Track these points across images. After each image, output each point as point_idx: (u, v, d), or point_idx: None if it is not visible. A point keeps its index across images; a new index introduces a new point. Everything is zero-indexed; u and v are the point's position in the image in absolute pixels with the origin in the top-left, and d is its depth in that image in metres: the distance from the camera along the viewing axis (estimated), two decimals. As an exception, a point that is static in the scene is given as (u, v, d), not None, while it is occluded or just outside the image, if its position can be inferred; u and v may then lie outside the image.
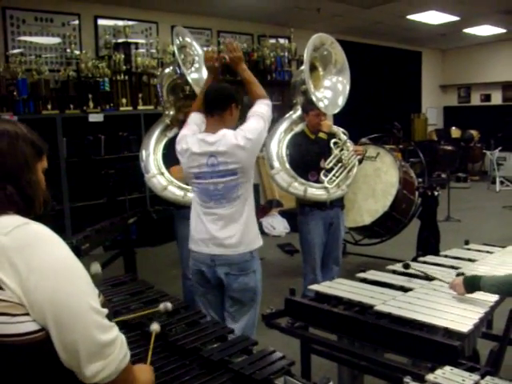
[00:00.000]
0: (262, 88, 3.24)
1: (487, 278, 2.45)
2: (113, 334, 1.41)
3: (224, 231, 2.98)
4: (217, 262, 3.00)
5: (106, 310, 1.42)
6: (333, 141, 4.40)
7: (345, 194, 4.46)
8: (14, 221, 1.36)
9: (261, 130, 3.00)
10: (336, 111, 4.50)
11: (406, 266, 2.94)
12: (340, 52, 4.52)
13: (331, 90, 4.51)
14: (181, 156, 3.10)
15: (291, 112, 4.62)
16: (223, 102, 3.01)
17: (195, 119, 3.18)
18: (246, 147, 2.90)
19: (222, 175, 2.94)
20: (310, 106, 4.39)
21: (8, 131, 1.45)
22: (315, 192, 4.26)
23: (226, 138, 2.93)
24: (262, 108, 3.09)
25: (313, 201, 4.35)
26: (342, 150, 4.41)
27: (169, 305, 2.22)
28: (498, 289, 2.41)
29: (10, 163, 1.41)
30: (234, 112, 3.05)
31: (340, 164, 4.35)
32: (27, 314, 1.31)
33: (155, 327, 1.97)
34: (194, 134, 3.05)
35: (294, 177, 4.28)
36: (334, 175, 4.31)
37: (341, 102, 4.49)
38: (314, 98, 4.26)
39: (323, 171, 4.33)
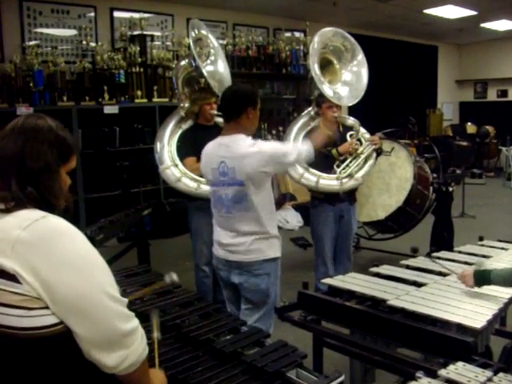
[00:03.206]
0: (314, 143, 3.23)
1: (497, 271, 2.47)
2: (134, 323, 1.43)
3: (235, 239, 2.97)
4: (232, 264, 3.01)
5: (126, 300, 1.44)
6: (349, 133, 4.36)
7: (359, 184, 4.37)
8: (32, 215, 1.37)
9: (281, 150, 2.95)
10: (356, 101, 4.41)
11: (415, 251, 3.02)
12: (343, 39, 4.44)
13: (350, 80, 4.43)
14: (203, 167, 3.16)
15: (310, 108, 4.56)
16: (237, 107, 2.92)
17: None
18: (254, 155, 2.84)
19: (231, 184, 2.90)
20: (321, 98, 4.34)
21: (35, 132, 1.45)
22: (328, 182, 4.22)
23: (239, 142, 2.89)
24: (297, 144, 3.14)
25: (326, 192, 4.32)
26: (358, 139, 4.36)
27: (174, 276, 2.19)
28: (509, 281, 2.42)
29: (31, 166, 1.42)
30: (252, 115, 2.94)
31: (355, 154, 4.29)
32: (45, 308, 1.32)
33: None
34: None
35: (305, 168, 4.26)
36: (346, 165, 4.26)
37: (360, 91, 4.41)
38: (322, 90, 4.21)
39: (337, 162, 4.28)
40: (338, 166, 4.26)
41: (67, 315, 1.33)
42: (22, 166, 1.41)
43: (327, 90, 4.28)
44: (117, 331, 1.37)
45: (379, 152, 4.45)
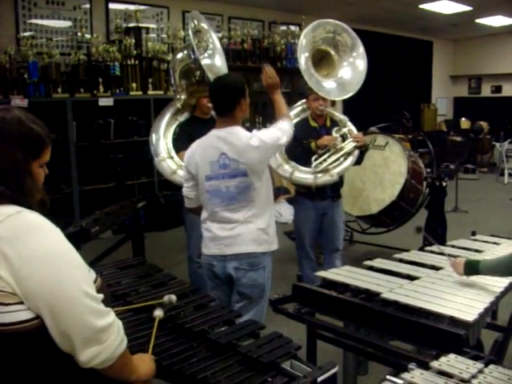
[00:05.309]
0: (287, 109, 3.30)
1: (486, 262, 2.54)
2: (109, 319, 1.42)
3: (234, 231, 2.96)
4: (227, 257, 2.98)
5: (101, 296, 1.42)
6: (335, 129, 4.30)
7: (333, 180, 4.21)
8: (7, 210, 1.37)
9: (277, 137, 2.98)
10: (347, 95, 4.33)
11: (419, 230, 3.03)
12: (327, 26, 4.34)
13: (347, 74, 4.36)
14: (190, 169, 3.07)
15: (304, 100, 4.53)
16: (230, 102, 2.93)
17: None
18: (258, 148, 2.88)
19: (233, 175, 2.90)
20: (308, 90, 4.30)
21: (1, 131, 1.42)
22: (301, 175, 4.20)
23: (239, 135, 2.92)
24: (283, 124, 3.08)
25: (299, 184, 4.33)
26: (342, 135, 4.28)
27: (173, 297, 2.22)
28: (496, 270, 2.49)
29: None
30: (244, 105, 2.97)
31: (333, 149, 4.20)
32: (21, 303, 1.32)
33: (158, 313, 1.99)
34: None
35: (285, 159, 4.26)
36: (324, 159, 4.18)
37: (355, 86, 4.31)
38: (307, 80, 4.16)
39: (315, 156, 4.20)
40: (316, 160, 4.19)
41: (40, 310, 1.33)
42: None
43: (312, 81, 4.20)
44: (89, 327, 1.36)
45: (363, 150, 4.33)
